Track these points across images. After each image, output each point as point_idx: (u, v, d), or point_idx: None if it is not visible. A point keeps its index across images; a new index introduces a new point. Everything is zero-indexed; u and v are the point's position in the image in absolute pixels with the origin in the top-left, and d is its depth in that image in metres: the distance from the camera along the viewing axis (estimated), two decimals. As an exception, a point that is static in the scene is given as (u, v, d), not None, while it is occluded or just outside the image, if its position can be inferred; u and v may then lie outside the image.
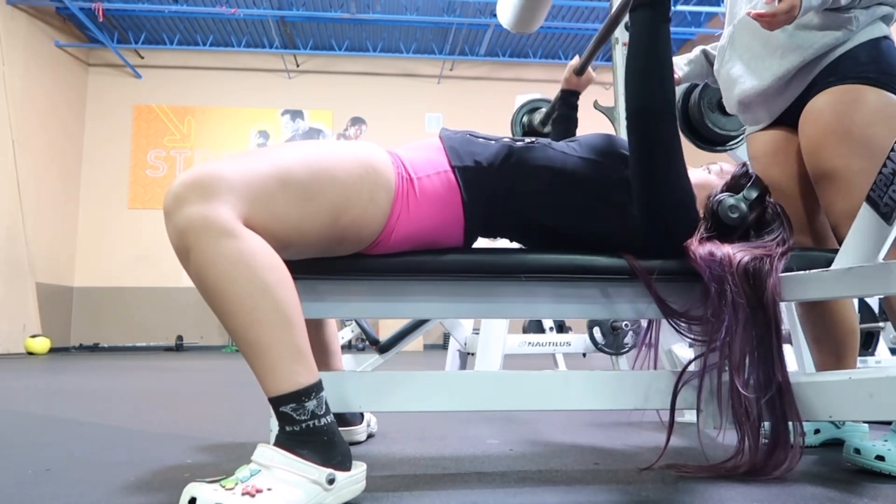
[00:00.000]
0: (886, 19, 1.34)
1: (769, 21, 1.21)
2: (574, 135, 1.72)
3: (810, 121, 1.34)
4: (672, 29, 1.17)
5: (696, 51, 1.68)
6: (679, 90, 1.94)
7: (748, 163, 1.31)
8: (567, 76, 1.73)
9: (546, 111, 2.24)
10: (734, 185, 1.24)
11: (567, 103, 1.75)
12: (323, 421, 0.93)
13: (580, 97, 1.77)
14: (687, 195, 1.17)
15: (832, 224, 1.32)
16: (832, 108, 1.29)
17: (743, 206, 1.20)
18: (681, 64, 1.67)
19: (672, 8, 1.16)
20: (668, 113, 1.13)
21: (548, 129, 2.26)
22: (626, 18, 1.19)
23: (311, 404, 0.92)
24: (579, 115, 1.79)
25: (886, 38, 1.33)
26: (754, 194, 1.22)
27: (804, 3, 1.20)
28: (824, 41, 1.31)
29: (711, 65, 1.63)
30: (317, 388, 0.94)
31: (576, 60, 1.72)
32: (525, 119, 2.55)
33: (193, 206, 0.89)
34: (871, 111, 1.26)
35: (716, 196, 1.22)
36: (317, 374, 0.95)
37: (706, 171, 1.30)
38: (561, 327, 3.97)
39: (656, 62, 1.13)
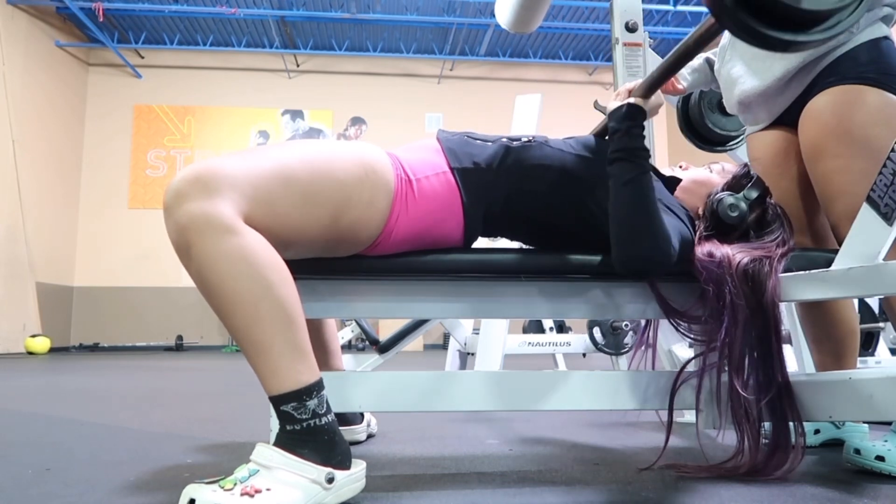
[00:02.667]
0: (887, 20, 1.34)
1: None
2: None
3: (810, 121, 1.34)
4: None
5: (700, 59, 1.68)
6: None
7: (748, 163, 1.31)
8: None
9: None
10: (735, 185, 1.24)
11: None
12: (324, 420, 0.93)
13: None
14: (666, 254, 1.07)
15: (832, 224, 1.32)
16: (832, 109, 1.29)
17: (743, 205, 1.20)
18: (685, 73, 1.68)
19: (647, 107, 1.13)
20: (655, 259, 1.06)
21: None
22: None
23: (312, 403, 0.92)
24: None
25: (886, 38, 1.33)
26: (755, 194, 1.22)
27: None
28: (825, 41, 1.31)
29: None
30: (318, 386, 0.94)
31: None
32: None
33: (195, 203, 0.89)
34: (870, 111, 1.26)
35: (716, 194, 1.22)
36: (318, 372, 0.95)
37: (707, 170, 1.30)
38: (561, 327, 3.97)
39: (640, 216, 1.06)
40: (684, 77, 1.67)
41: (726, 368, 1.09)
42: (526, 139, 1.21)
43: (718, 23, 0.82)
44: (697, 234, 1.20)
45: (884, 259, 1.00)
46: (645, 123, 1.15)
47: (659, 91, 1.17)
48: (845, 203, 1.26)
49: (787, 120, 1.43)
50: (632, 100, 1.14)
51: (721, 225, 1.20)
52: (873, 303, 2.63)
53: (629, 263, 1.08)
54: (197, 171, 0.91)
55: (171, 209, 0.90)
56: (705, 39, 0.94)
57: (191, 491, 0.81)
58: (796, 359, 1.73)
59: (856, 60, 1.30)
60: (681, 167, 1.36)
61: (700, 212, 1.24)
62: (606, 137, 1.16)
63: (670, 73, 1.07)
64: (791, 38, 0.76)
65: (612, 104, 1.17)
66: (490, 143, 1.19)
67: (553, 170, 1.16)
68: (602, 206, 1.16)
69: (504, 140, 1.20)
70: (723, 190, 1.24)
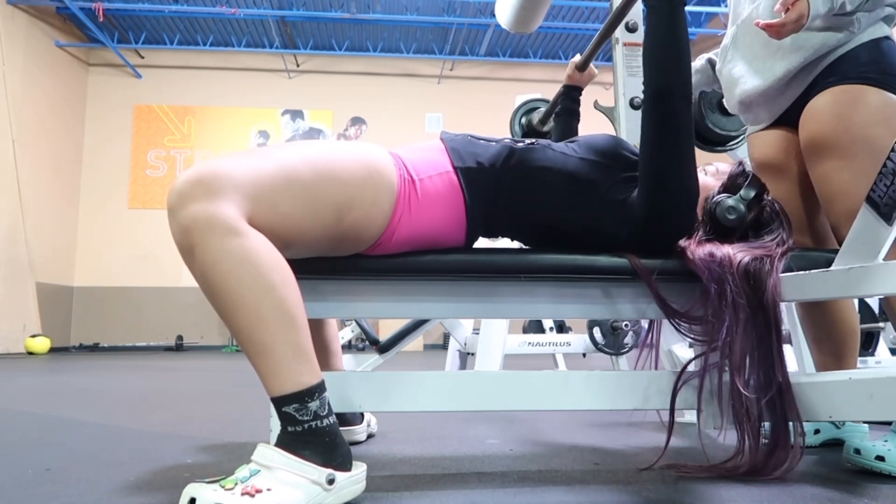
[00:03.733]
0: (888, 20, 1.34)
1: (777, 31, 1.21)
2: (576, 129, 1.78)
3: (811, 121, 1.34)
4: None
5: (702, 60, 1.68)
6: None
7: (745, 162, 1.31)
8: (570, 72, 1.79)
9: (545, 110, 2.25)
10: (731, 186, 1.24)
11: (570, 97, 1.80)
12: (325, 422, 0.93)
13: (582, 93, 1.80)
14: (693, 188, 1.15)
15: (832, 224, 1.32)
16: (832, 109, 1.29)
17: (741, 206, 1.20)
18: None
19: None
20: (686, 95, 1.13)
21: (547, 127, 2.28)
22: (626, 19, 1.19)
23: (313, 405, 0.92)
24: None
25: (888, 38, 1.33)
26: (752, 193, 1.21)
27: (812, 11, 1.20)
28: (826, 42, 1.31)
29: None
30: (320, 388, 0.94)
31: (578, 57, 1.77)
32: (523, 119, 2.56)
33: (198, 204, 0.89)
34: (871, 111, 1.26)
35: (713, 198, 1.22)
36: (320, 374, 0.95)
37: (702, 173, 1.30)
38: (561, 327, 3.97)
39: (675, 44, 1.13)
40: None
41: (727, 368, 1.09)
42: (530, 141, 1.22)
43: None
44: (697, 237, 1.20)
45: (884, 259, 1.00)
46: None
47: None
48: (845, 203, 1.26)
49: (788, 120, 1.43)
50: None
51: (720, 228, 1.20)
52: (873, 303, 2.63)
53: (663, 94, 1.11)
54: (199, 172, 0.91)
55: (174, 211, 0.90)
56: None
57: (191, 490, 0.81)
58: (796, 359, 1.73)
59: (857, 60, 1.30)
60: None
61: (699, 216, 1.24)
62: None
63: None
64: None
65: None
66: (494, 144, 1.19)
67: (556, 172, 1.16)
68: (603, 210, 1.16)
69: (507, 141, 1.21)
70: (719, 192, 1.24)
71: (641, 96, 1.18)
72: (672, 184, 1.13)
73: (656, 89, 1.13)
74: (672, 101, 1.12)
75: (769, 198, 1.25)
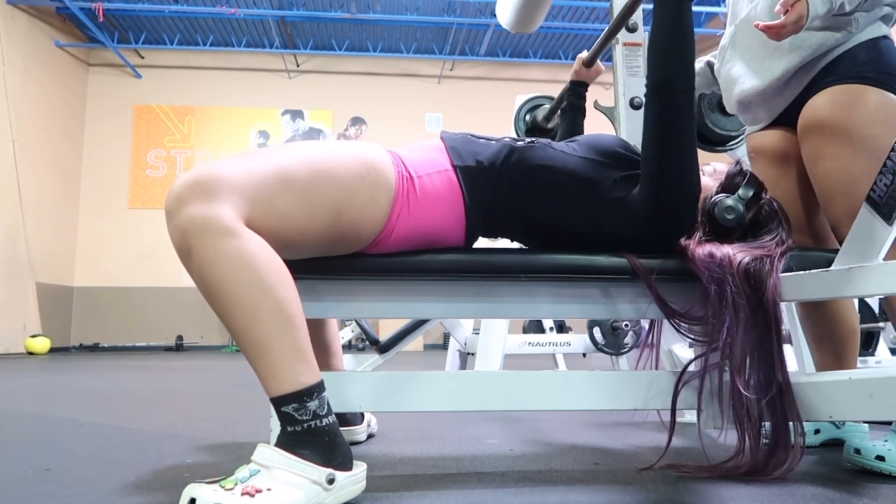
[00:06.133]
0: (886, 19, 1.34)
1: (777, 32, 1.21)
2: (582, 125, 1.79)
3: (809, 121, 1.34)
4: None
5: (701, 62, 1.69)
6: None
7: (743, 160, 1.31)
8: (577, 68, 1.80)
9: (550, 107, 2.26)
10: (729, 185, 1.24)
11: (576, 93, 1.80)
12: (325, 421, 0.93)
13: (588, 88, 1.82)
14: (695, 184, 1.15)
15: (832, 224, 1.32)
16: (831, 108, 1.29)
17: (740, 206, 1.20)
18: None
19: None
20: (689, 91, 1.14)
21: (552, 124, 2.28)
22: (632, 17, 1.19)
23: (312, 404, 0.92)
24: None
25: (886, 37, 1.33)
26: (750, 192, 1.21)
27: (811, 12, 1.20)
28: (824, 41, 1.31)
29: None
30: (319, 388, 0.94)
31: (585, 53, 1.78)
32: (528, 117, 2.55)
33: (195, 206, 0.89)
34: (870, 111, 1.26)
35: (711, 198, 1.22)
36: (319, 374, 0.95)
37: (700, 174, 1.30)
38: (561, 327, 3.97)
39: (681, 38, 1.14)
40: None
41: (727, 368, 1.09)
42: (529, 140, 1.21)
43: None
44: (696, 238, 1.20)
45: (884, 259, 1.00)
46: None
47: None
48: (845, 203, 1.26)
49: (787, 120, 1.43)
50: None
51: (719, 228, 1.20)
52: (873, 303, 2.63)
53: (666, 88, 1.12)
54: (197, 175, 0.91)
55: (171, 213, 0.91)
56: None
57: (191, 490, 0.81)
58: (796, 359, 1.73)
59: (855, 60, 1.30)
60: None
61: (698, 217, 1.24)
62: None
63: None
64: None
65: None
66: (494, 142, 1.19)
67: (556, 171, 1.16)
68: (604, 208, 1.16)
69: (508, 139, 1.21)
70: (718, 192, 1.23)
71: (642, 96, 1.18)
72: (674, 177, 1.13)
73: (658, 82, 1.13)
74: (674, 96, 1.12)
75: (767, 196, 1.25)
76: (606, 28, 1.68)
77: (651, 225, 1.15)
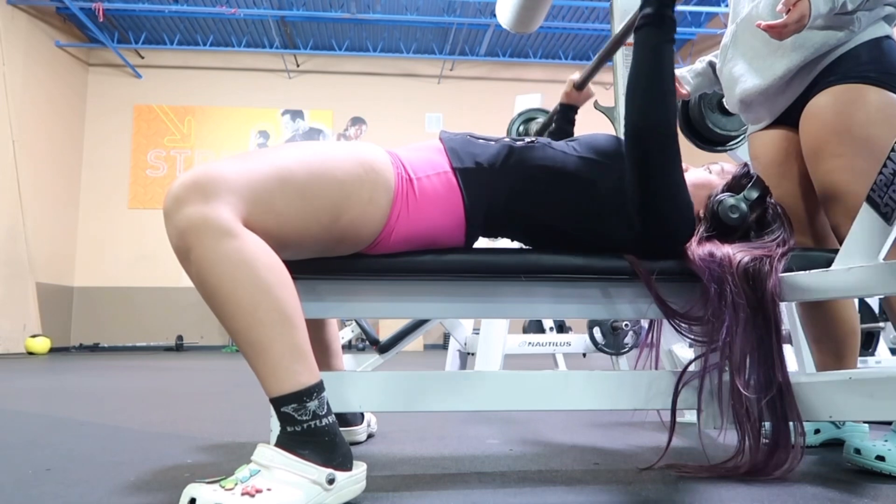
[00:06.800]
0: (888, 19, 1.34)
1: (779, 32, 1.21)
2: None
3: (811, 120, 1.34)
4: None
5: (703, 63, 1.69)
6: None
7: (749, 163, 1.31)
8: (567, 90, 1.77)
9: (543, 122, 2.26)
10: (735, 186, 1.24)
11: (565, 118, 1.78)
12: (324, 421, 0.93)
13: (577, 112, 1.80)
14: (684, 205, 1.16)
15: (832, 224, 1.32)
16: (833, 108, 1.29)
17: (743, 206, 1.20)
18: (688, 77, 1.69)
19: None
20: (668, 133, 1.12)
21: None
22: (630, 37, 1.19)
23: (312, 404, 0.92)
24: (579, 113, 1.80)
25: (888, 37, 1.33)
26: (755, 194, 1.22)
27: (813, 11, 1.20)
28: (826, 41, 1.31)
29: None
30: (318, 388, 0.94)
31: (577, 75, 1.75)
32: (521, 128, 2.57)
33: (193, 207, 0.89)
34: (871, 111, 1.26)
35: (716, 196, 1.22)
36: (318, 374, 0.95)
37: (707, 171, 1.30)
38: (561, 327, 3.97)
39: (659, 83, 1.12)
40: (687, 81, 1.69)
41: (727, 368, 1.09)
42: (529, 140, 1.21)
43: None
44: (698, 235, 1.20)
45: (884, 259, 1.00)
46: None
47: None
48: (845, 203, 1.26)
49: (789, 119, 1.43)
50: None
51: (722, 226, 1.20)
52: (873, 303, 2.63)
53: (644, 132, 1.11)
54: (195, 175, 0.91)
55: (170, 214, 0.91)
56: None
57: (191, 490, 0.81)
58: (796, 359, 1.73)
59: (857, 59, 1.30)
60: None
61: (701, 213, 1.24)
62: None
63: None
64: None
65: None
66: (493, 143, 1.19)
67: (555, 171, 1.16)
68: (604, 208, 1.16)
69: (507, 140, 1.20)
70: (723, 191, 1.24)
71: None
72: (661, 208, 1.14)
73: (639, 125, 1.12)
74: (654, 139, 1.12)
75: (772, 200, 1.25)
76: (601, 51, 1.66)
77: (646, 237, 1.16)
